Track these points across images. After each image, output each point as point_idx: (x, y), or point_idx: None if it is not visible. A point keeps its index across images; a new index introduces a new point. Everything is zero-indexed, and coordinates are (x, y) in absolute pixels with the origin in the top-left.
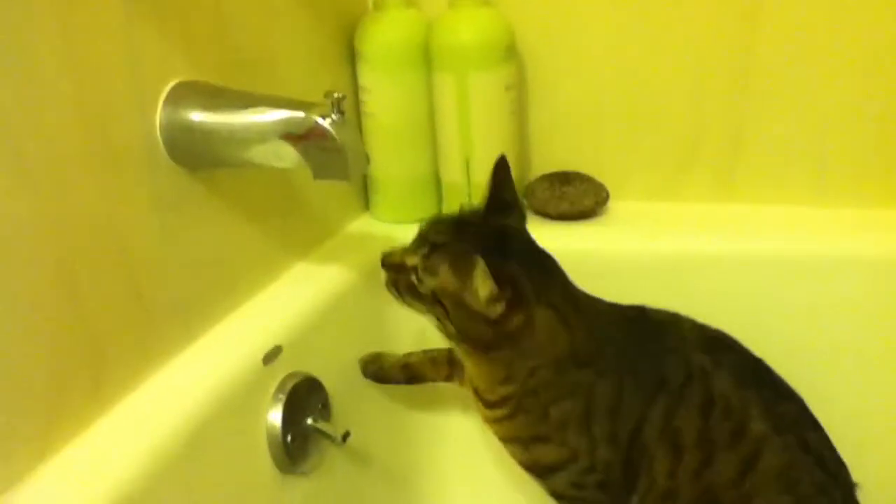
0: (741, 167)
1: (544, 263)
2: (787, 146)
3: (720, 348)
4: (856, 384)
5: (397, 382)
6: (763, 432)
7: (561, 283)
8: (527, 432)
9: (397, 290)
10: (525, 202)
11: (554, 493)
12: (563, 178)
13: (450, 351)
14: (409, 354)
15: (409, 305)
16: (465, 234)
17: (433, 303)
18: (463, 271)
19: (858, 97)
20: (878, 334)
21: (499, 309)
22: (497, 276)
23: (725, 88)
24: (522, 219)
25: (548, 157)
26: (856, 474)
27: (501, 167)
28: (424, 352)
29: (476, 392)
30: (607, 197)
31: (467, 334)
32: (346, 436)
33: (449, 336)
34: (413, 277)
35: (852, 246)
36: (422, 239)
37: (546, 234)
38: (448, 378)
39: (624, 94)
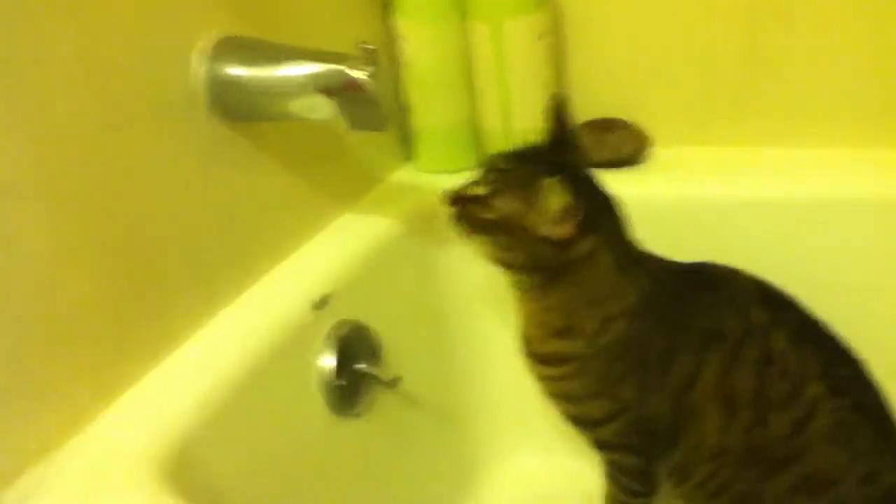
0: (788, 112)
1: (611, 203)
2: (837, 88)
3: (780, 305)
4: None
5: None
6: (818, 394)
7: (625, 228)
8: (583, 391)
9: (461, 223)
10: None
11: (598, 442)
12: (604, 126)
13: None
14: None
15: (472, 240)
16: (531, 161)
17: (498, 231)
18: (531, 193)
19: None
20: None
21: (568, 229)
22: (570, 192)
23: (771, 27)
24: (582, 159)
25: (587, 104)
26: None
27: (559, 105)
28: None
29: (527, 343)
30: (648, 143)
31: (531, 262)
32: (396, 380)
33: (511, 269)
34: (478, 208)
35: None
36: (486, 168)
37: None
38: None
39: (661, 36)
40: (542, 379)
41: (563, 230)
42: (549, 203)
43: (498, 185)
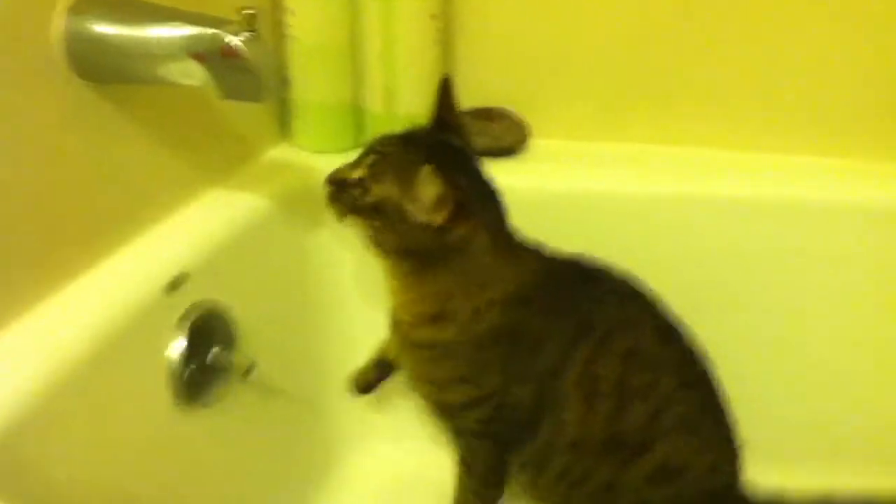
0: (674, 108)
1: (489, 188)
2: (729, 87)
3: (645, 302)
4: (778, 325)
5: (385, 378)
6: (672, 387)
7: (503, 214)
8: (446, 375)
9: (337, 205)
10: None
11: (457, 430)
12: (486, 114)
13: None
14: (378, 351)
15: (351, 222)
16: (412, 146)
17: (375, 214)
18: (408, 178)
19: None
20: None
21: (443, 214)
22: (444, 181)
23: (666, 26)
24: (467, 143)
25: (472, 91)
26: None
27: (447, 87)
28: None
29: (398, 326)
30: (529, 135)
31: (407, 246)
32: (249, 369)
33: (387, 253)
34: (357, 190)
35: (783, 189)
36: (368, 150)
37: None
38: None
39: (552, 28)
40: (411, 362)
41: (436, 217)
42: (423, 190)
43: (376, 169)
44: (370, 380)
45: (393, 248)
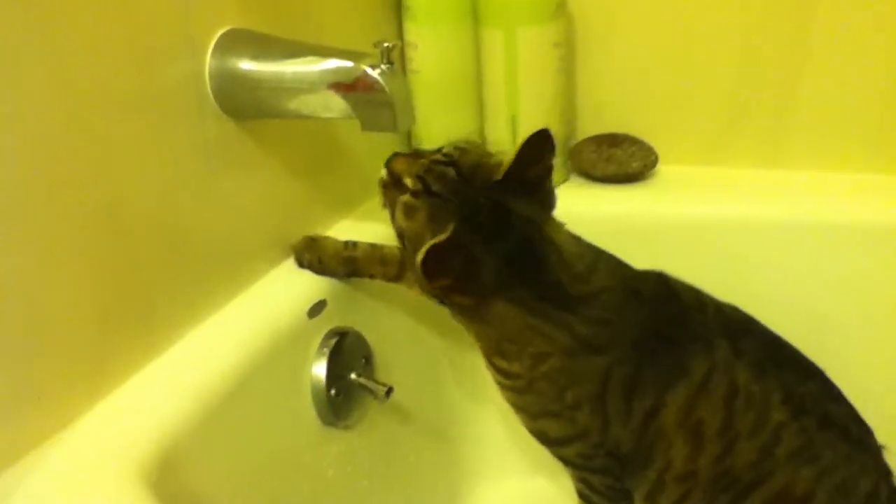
0: (790, 132)
1: (538, 255)
2: (840, 110)
3: (740, 332)
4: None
5: (336, 275)
6: (782, 420)
7: (550, 274)
8: (535, 408)
9: (385, 197)
10: (570, 163)
11: (562, 459)
12: (611, 140)
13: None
14: (355, 246)
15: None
16: (460, 195)
17: (399, 236)
18: (431, 229)
19: None
20: None
21: (435, 286)
22: (443, 256)
23: (777, 50)
24: (547, 205)
25: (596, 117)
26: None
27: (538, 141)
28: (373, 246)
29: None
30: (656, 160)
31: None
32: (388, 391)
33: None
34: (396, 196)
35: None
36: (428, 166)
37: (591, 197)
38: (395, 279)
39: (674, 55)
40: (500, 388)
41: (425, 285)
42: (418, 255)
43: (416, 201)
44: (324, 268)
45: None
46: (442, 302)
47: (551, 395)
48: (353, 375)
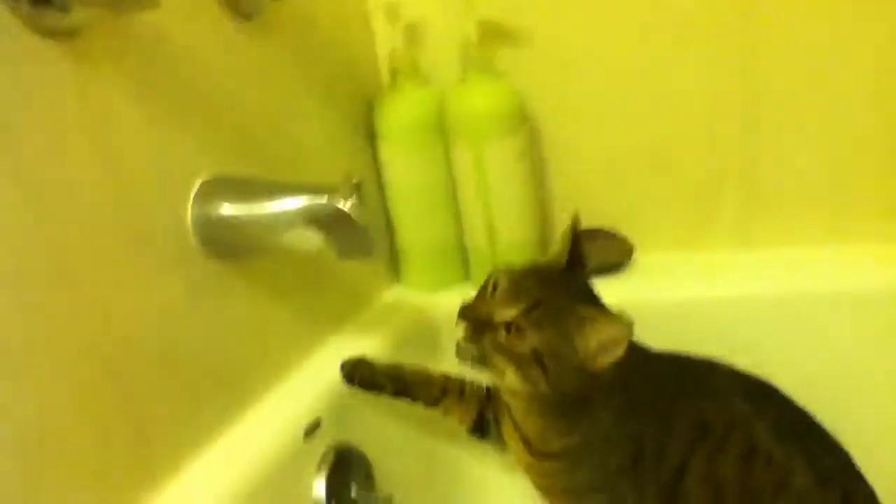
0: (761, 211)
1: None
2: (804, 184)
3: (761, 396)
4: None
5: (383, 392)
6: (807, 486)
7: None
8: (585, 483)
9: (479, 344)
10: None
11: None
12: (588, 235)
13: (445, 377)
14: (402, 366)
15: (489, 365)
16: (556, 288)
17: (530, 361)
18: (570, 325)
19: (872, 127)
20: None
21: (606, 361)
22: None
23: (737, 131)
24: (589, 277)
25: (569, 216)
26: None
27: (574, 224)
28: (418, 368)
29: (526, 443)
30: (633, 250)
31: (558, 391)
32: (388, 501)
33: (529, 394)
34: (503, 333)
35: (873, 281)
36: (513, 291)
37: None
38: (434, 402)
39: (638, 149)
40: (546, 477)
41: (603, 362)
42: (592, 335)
43: (534, 315)
44: (374, 382)
45: (538, 391)
46: (564, 398)
47: (599, 462)
48: (353, 491)
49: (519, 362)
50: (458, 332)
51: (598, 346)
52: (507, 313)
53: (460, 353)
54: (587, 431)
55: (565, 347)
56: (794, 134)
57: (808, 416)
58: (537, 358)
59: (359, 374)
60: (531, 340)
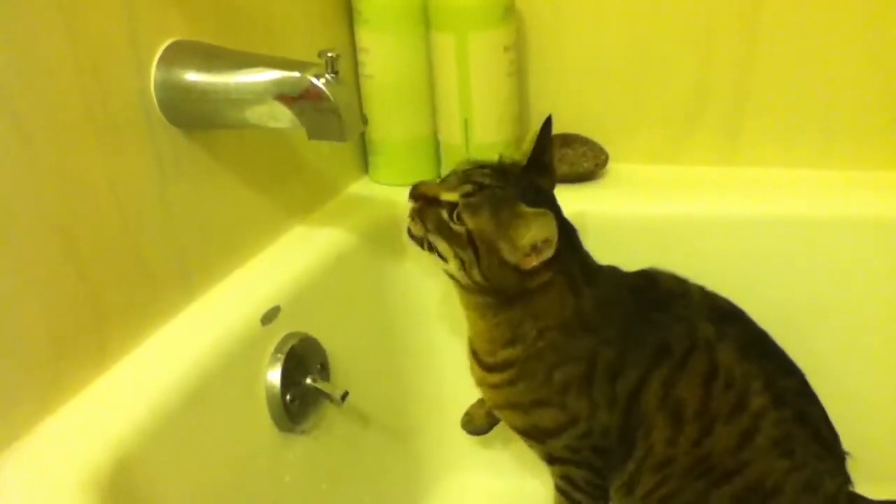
0: (744, 130)
1: (569, 231)
2: (793, 108)
3: (726, 318)
4: (857, 345)
5: (486, 432)
6: (763, 406)
7: (580, 254)
8: (528, 397)
9: (423, 223)
10: None
11: (549, 457)
12: (563, 140)
13: None
14: (483, 402)
15: (431, 245)
16: (507, 183)
17: (465, 244)
18: (505, 218)
19: (865, 57)
20: (882, 295)
21: (534, 261)
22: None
23: (731, 49)
24: (553, 185)
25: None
26: (853, 437)
27: (547, 128)
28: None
29: (475, 355)
30: (606, 160)
31: (491, 284)
32: (344, 395)
33: (467, 285)
34: (446, 214)
35: (856, 208)
36: (463, 177)
37: None
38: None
39: (626, 55)
40: (490, 388)
41: (529, 261)
42: (525, 233)
43: (472, 200)
44: (478, 429)
45: (473, 281)
46: (497, 296)
47: (540, 378)
48: (308, 380)
49: (454, 242)
50: (407, 209)
51: (529, 244)
52: (451, 195)
53: (410, 233)
54: (530, 345)
55: (499, 239)
56: (793, 49)
57: (769, 338)
58: (471, 241)
59: (469, 428)
60: (468, 223)
